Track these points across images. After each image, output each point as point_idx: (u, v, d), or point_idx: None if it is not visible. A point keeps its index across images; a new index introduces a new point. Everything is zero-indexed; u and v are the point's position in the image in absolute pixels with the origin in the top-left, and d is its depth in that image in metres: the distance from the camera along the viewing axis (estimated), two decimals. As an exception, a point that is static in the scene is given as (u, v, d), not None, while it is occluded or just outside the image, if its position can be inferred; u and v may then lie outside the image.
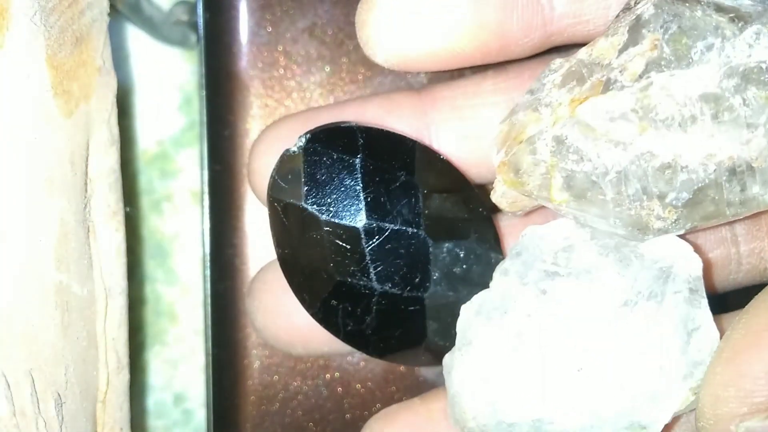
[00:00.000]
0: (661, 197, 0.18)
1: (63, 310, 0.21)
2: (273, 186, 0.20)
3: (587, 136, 0.18)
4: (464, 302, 0.20)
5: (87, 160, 0.22)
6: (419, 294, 0.21)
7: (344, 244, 0.20)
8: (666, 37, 0.18)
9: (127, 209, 0.24)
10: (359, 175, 0.20)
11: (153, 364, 0.31)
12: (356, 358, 0.27)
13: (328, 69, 0.27)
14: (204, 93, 0.26)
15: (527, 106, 0.19)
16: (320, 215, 0.20)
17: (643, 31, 0.18)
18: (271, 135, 0.23)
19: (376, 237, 0.20)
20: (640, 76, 0.18)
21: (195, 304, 0.30)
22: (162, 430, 0.31)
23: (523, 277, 0.20)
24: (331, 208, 0.20)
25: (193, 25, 0.28)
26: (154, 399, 0.31)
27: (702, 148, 0.17)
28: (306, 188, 0.20)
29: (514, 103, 0.20)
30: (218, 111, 0.26)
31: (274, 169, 0.20)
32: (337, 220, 0.20)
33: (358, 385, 0.27)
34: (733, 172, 0.18)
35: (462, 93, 0.23)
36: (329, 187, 0.20)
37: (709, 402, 0.18)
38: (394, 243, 0.20)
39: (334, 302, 0.21)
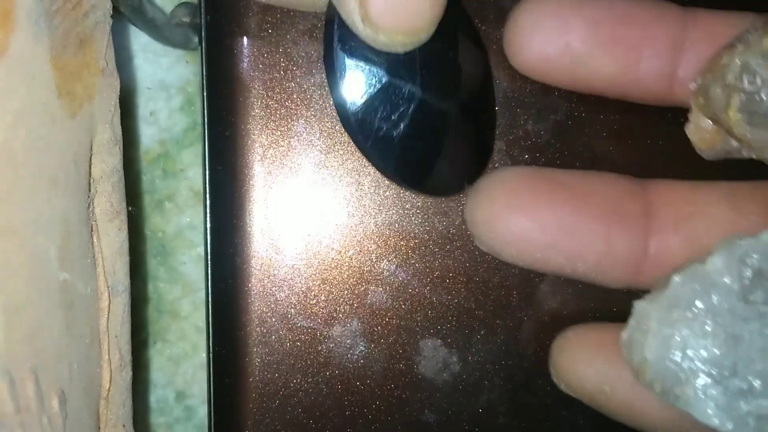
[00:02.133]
0: None
1: (67, 308, 0.21)
2: None
3: None
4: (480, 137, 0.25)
5: (90, 160, 0.22)
6: (452, 108, 0.24)
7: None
8: None
9: (130, 208, 0.24)
10: None
11: (155, 361, 0.31)
12: (356, 356, 0.27)
13: (328, 70, 0.27)
14: (205, 94, 0.26)
15: (726, 45, 0.22)
16: None
17: None
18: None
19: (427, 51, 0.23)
20: None
21: (196, 302, 0.30)
22: (164, 427, 0.31)
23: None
24: None
25: (195, 27, 0.28)
26: (156, 396, 0.31)
27: None
28: None
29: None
30: (219, 112, 0.26)
31: None
32: None
33: (358, 383, 0.27)
34: None
35: None
36: None
37: None
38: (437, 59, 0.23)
39: (376, 103, 0.23)
